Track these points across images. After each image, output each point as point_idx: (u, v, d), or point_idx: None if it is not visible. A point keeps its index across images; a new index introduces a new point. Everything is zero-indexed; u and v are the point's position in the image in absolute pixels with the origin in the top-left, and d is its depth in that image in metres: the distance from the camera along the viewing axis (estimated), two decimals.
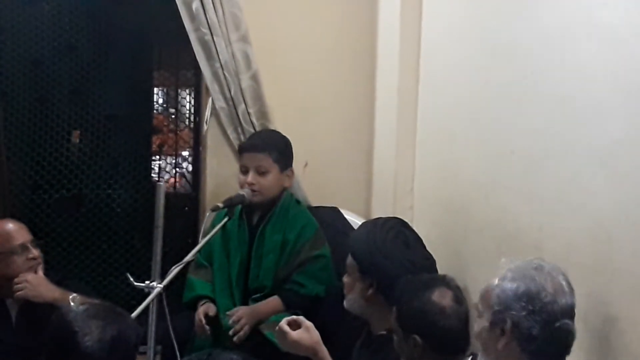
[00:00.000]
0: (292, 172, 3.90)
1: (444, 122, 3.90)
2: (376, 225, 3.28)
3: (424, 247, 3.27)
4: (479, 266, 3.47)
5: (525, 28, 3.18)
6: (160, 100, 4.91)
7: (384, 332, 3.04)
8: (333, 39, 4.39)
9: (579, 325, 2.43)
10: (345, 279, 3.23)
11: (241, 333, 3.66)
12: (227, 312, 3.74)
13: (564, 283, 2.36)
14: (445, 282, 2.78)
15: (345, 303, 3.22)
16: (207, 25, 4.07)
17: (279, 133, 3.98)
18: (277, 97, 4.23)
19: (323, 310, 3.63)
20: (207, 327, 3.70)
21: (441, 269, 3.22)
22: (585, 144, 2.77)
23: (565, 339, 2.32)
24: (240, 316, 3.69)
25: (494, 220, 3.39)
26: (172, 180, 4.79)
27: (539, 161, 3.07)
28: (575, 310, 2.39)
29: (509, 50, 3.31)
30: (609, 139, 2.64)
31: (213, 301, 3.81)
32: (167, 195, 4.41)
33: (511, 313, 2.32)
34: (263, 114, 4.19)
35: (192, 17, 4.07)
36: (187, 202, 4.68)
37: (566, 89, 2.89)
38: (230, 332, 3.67)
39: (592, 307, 2.66)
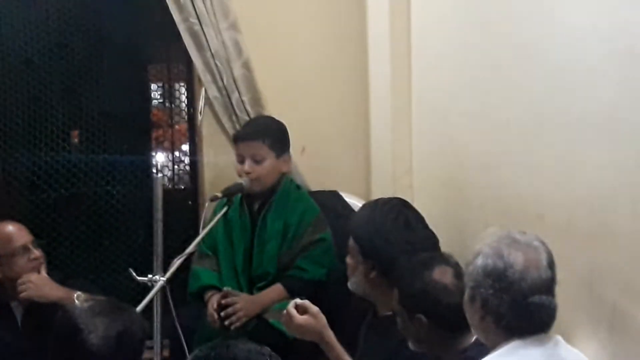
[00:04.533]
0: (290, 157, 3.89)
1: (438, 98, 3.88)
2: (376, 207, 3.26)
3: (426, 226, 3.25)
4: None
5: None
6: (158, 95, 4.88)
7: (390, 313, 3.03)
8: (324, 22, 4.37)
9: (584, 293, 2.41)
10: (348, 260, 3.23)
11: (237, 324, 3.67)
12: (227, 290, 3.73)
13: (542, 257, 2.33)
14: (444, 259, 2.79)
15: (349, 284, 3.22)
16: (195, 15, 4.08)
17: (273, 119, 3.95)
18: (270, 84, 4.23)
19: (327, 294, 3.61)
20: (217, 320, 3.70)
21: (444, 246, 3.20)
22: (580, 111, 2.75)
23: (539, 314, 2.30)
24: (239, 309, 3.69)
25: (494, 194, 3.37)
26: (172, 174, 4.77)
27: (535, 130, 3.04)
28: (580, 279, 2.37)
29: (497, 24, 3.28)
30: (604, 104, 2.62)
31: (219, 290, 3.80)
32: (167, 190, 4.44)
33: (480, 290, 2.33)
34: (257, 101, 4.18)
35: (180, 8, 4.08)
36: (186, 195, 4.67)
37: (559, 57, 2.87)
38: (226, 322, 3.67)
39: (597, 274, 2.65)
